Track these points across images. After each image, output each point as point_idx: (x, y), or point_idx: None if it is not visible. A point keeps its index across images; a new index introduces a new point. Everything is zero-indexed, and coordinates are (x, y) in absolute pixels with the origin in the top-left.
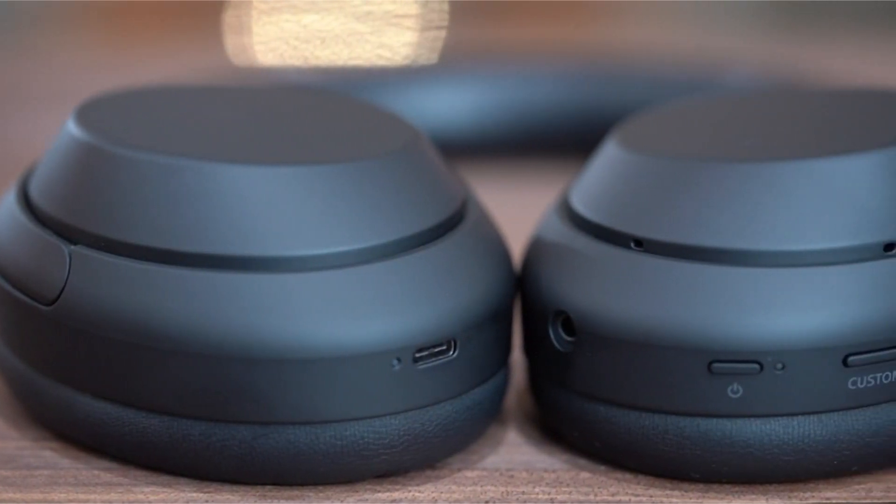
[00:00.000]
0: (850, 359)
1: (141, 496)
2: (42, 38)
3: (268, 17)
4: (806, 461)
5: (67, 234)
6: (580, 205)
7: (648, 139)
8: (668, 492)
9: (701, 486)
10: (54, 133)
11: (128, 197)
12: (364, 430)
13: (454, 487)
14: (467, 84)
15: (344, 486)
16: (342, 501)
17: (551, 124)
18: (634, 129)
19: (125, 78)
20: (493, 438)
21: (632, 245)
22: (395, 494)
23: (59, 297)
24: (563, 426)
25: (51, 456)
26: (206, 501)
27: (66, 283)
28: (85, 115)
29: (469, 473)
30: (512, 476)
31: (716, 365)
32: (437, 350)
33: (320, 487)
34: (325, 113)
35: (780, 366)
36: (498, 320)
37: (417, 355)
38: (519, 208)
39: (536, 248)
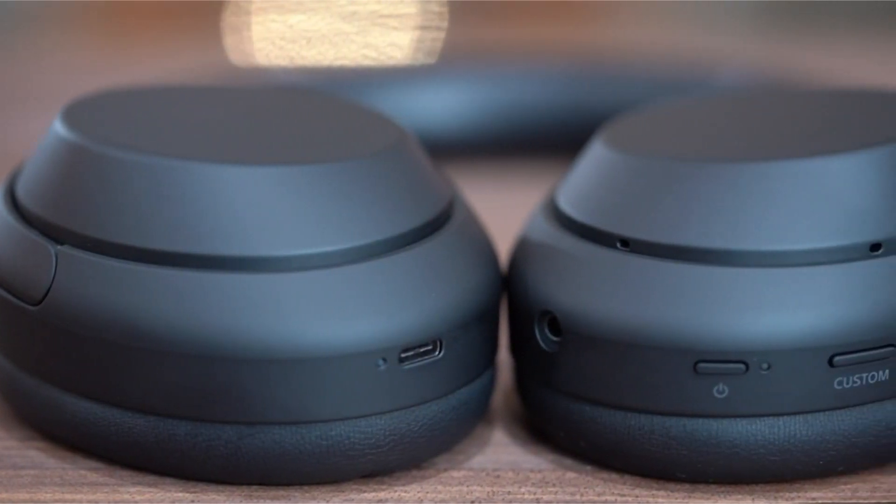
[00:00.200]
0: (836, 359)
1: (127, 496)
2: (41, 38)
3: (267, 16)
4: (792, 461)
5: (54, 234)
6: (566, 205)
7: (635, 139)
8: (653, 492)
9: (687, 486)
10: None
11: (114, 197)
12: (350, 430)
13: (440, 487)
14: (455, 84)
15: (330, 486)
16: (328, 501)
17: (539, 124)
18: (621, 129)
19: (123, 78)
20: (480, 438)
21: (618, 245)
22: (381, 494)
23: (45, 296)
24: (550, 426)
25: (37, 456)
26: (192, 501)
27: (52, 283)
28: (71, 115)
29: (455, 473)
30: (498, 476)
31: (701, 365)
32: (422, 350)
33: (306, 487)
34: (311, 113)
35: (765, 366)
36: (484, 320)
37: (403, 355)
38: (506, 208)
39: (523, 248)
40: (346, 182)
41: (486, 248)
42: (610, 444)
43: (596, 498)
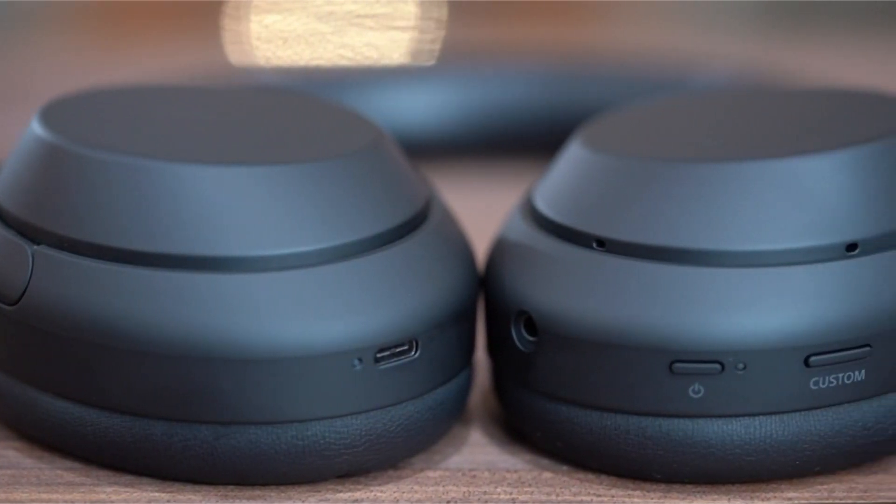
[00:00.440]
0: (812, 359)
1: (103, 496)
2: (38, 38)
3: (264, 16)
4: (768, 461)
5: (30, 234)
6: (543, 205)
7: (612, 139)
8: (629, 492)
9: (663, 486)
10: None
11: (90, 197)
12: (326, 430)
13: (416, 487)
14: (435, 84)
15: (306, 486)
16: (304, 501)
17: (519, 124)
18: (598, 129)
19: (119, 78)
20: (457, 438)
21: (594, 245)
22: (357, 494)
23: (21, 296)
24: (526, 426)
25: (14, 455)
26: (168, 501)
27: (28, 283)
28: (49, 115)
29: (431, 473)
30: (474, 476)
31: (677, 365)
32: (398, 350)
33: (282, 487)
34: (288, 112)
35: (741, 366)
36: (461, 320)
37: (379, 355)
38: (485, 208)
39: (500, 249)
40: (322, 182)
41: (462, 248)
42: (586, 444)
43: (572, 498)
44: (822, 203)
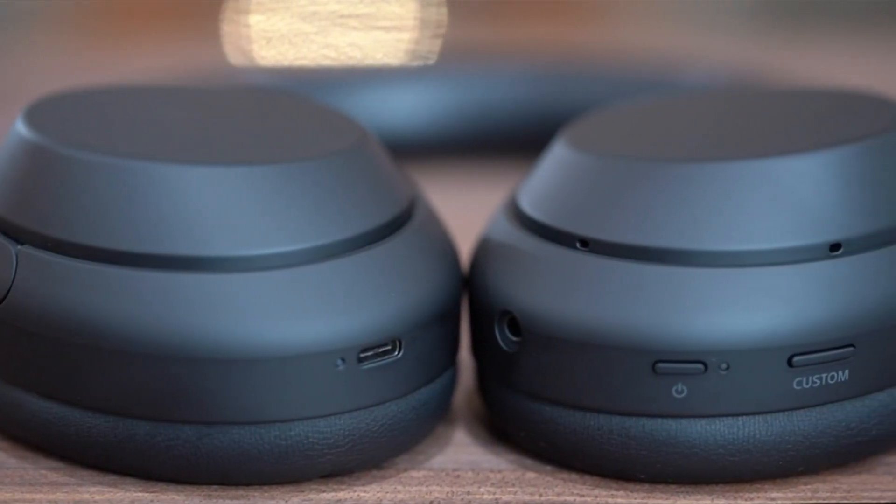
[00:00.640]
0: (795, 359)
1: (87, 496)
2: (38, 37)
3: (262, 16)
4: (751, 461)
5: (14, 233)
6: (527, 205)
7: (595, 139)
8: (613, 492)
9: (646, 486)
10: None
11: (74, 197)
12: (309, 430)
13: (399, 487)
14: (420, 85)
15: (289, 486)
16: (287, 501)
17: (505, 124)
18: (582, 128)
19: (119, 77)
20: (441, 438)
21: (577, 245)
22: (341, 494)
23: (5, 297)
24: (510, 426)
25: None
26: (152, 501)
27: (12, 283)
28: (33, 115)
29: (415, 473)
30: (458, 476)
31: (660, 365)
32: (381, 350)
33: (266, 487)
34: (272, 112)
35: (724, 366)
36: (444, 320)
37: (362, 355)
38: (470, 208)
39: (484, 249)
40: (306, 182)
41: (446, 248)
42: (569, 444)
43: (555, 498)
44: (805, 203)
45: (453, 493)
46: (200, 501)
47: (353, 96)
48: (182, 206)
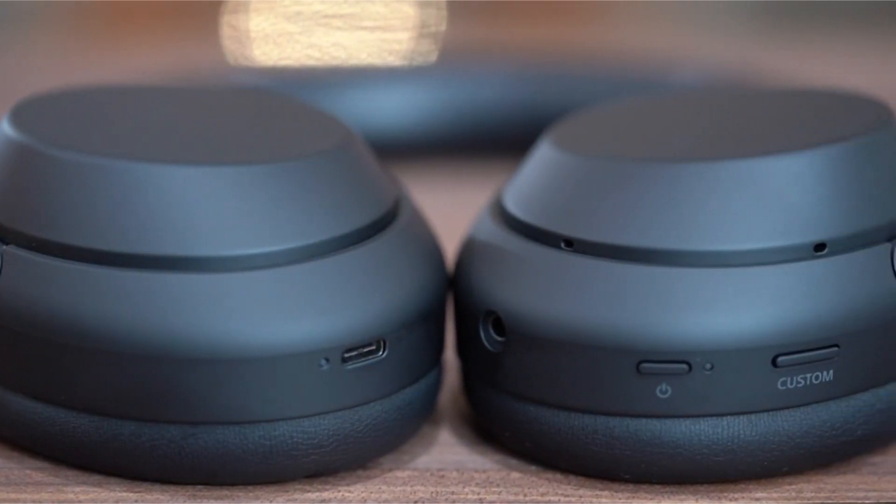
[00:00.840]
0: (780, 359)
1: (71, 496)
2: (36, 37)
3: (254, 16)
4: (736, 462)
5: None
6: (512, 205)
7: (580, 139)
8: (597, 492)
9: (631, 486)
10: None
11: (59, 197)
12: (293, 430)
13: (384, 487)
14: (407, 85)
15: (274, 486)
16: (272, 501)
17: (491, 124)
18: (567, 129)
19: (116, 77)
20: (426, 438)
21: (562, 245)
22: (325, 494)
23: None
24: (495, 426)
25: None
26: (136, 501)
27: None
28: (19, 114)
29: (400, 473)
30: (443, 476)
31: (644, 365)
32: (366, 350)
33: (250, 487)
34: (258, 112)
35: (708, 366)
36: (429, 320)
37: (346, 355)
38: (455, 208)
39: (469, 249)
40: (291, 182)
41: (431, 248)
42: (554, 444)
43: (539, 498)
44: (790, 203)
45: (438, 493)
46: (185, 501)
47: (339, 96)
48: (166, 206)
